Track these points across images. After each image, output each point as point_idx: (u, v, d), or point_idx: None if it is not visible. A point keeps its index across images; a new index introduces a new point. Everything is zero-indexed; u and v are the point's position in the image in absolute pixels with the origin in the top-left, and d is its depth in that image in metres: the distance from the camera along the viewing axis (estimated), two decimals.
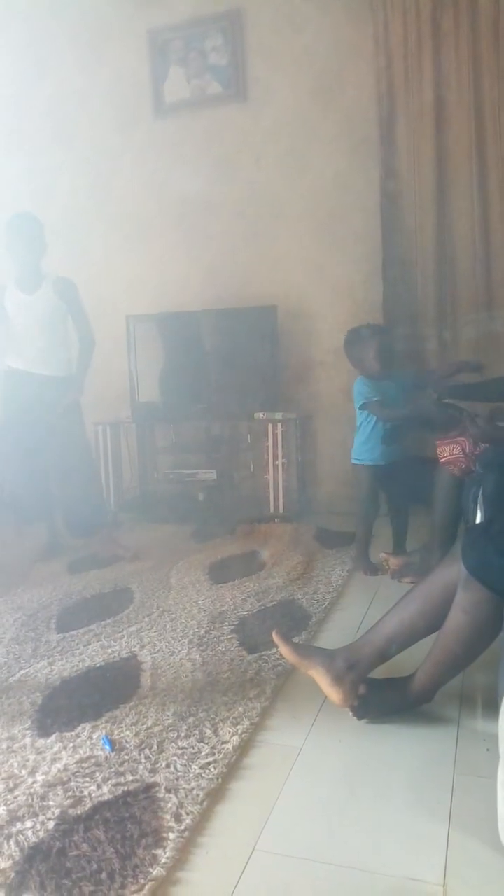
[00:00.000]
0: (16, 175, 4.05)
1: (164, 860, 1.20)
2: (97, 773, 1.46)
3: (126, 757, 1.52)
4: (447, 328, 3.29)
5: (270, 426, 3.36)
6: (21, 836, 1.28)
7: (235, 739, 1.56)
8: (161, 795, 1.38)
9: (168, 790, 1.39)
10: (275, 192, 3.60)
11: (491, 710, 1.57)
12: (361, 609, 2.29)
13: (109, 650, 2.06)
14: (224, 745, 1.54)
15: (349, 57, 3.36)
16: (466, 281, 3.22)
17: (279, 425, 3.36)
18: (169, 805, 1.35)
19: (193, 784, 1.41)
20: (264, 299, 3.54)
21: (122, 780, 1.44)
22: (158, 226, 3.84)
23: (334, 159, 3.46)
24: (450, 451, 2.40)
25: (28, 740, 1.60)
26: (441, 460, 2.42)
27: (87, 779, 1.45)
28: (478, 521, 1.91)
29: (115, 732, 1.61)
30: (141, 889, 1.14)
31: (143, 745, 1.55)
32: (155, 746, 1.55)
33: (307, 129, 3.49)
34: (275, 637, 1.70)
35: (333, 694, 1.59)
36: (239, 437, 3.69)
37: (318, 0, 3.35)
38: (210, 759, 1.49)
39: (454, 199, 3.20)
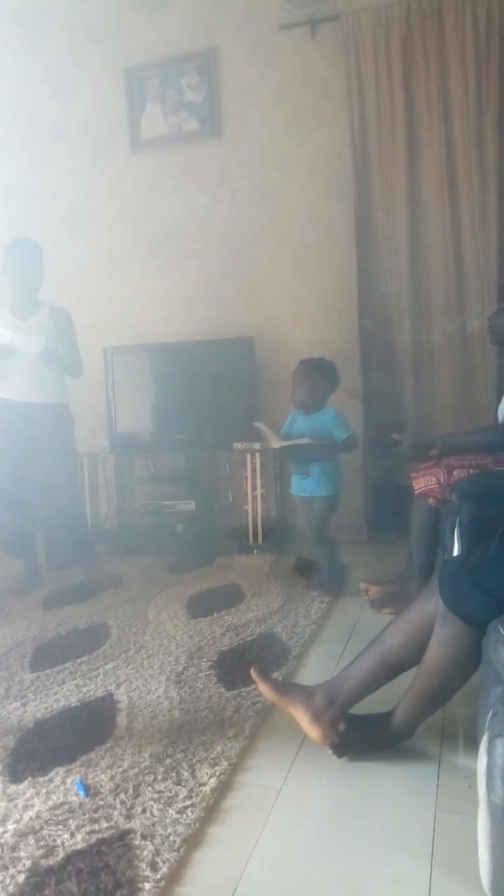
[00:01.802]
0: None
1: None
2: (70, 821, 1.42)
3: (101, 802, 1.47)
4: (423, 360, 3.33)
5: (249, 456, 3.36)
6: None
7: (213, 781, 1.52)
8: (137, 843, 1.34)
9: (144, 837, 1.35)
10: (251, 225, 3.64)
11: (472, 744, 1.55)
12: (341, 642, 2.27)
13: (84, 689, 2.01)
14: (202, 788, 1.50)
15: (322, 93, 3.44)
16: (441, 312, 3.27)
17: (257, 455, 3.36)
18: (145, 853, 1.31)
19: (170, 830, 1.37)
20: (242, 330, 3.56)
21: (96, 826, 1.39)
22: (135, 257, 3.87)
23: (309, 193, 3.52)
24: (425, 483, 2.41)
25: None
26: (416, 491, 2.43)
27: (61, 826, 1.40)
28: (455, 552, 1.91)
29: (90, 776, 1.57)
30: None
31: (119, 790, 1.51)
32: (130, 790, 1.51)
33: (282, 164, 3.55)
34: (253, 674, 1.68)
35: (313, 731, 1.57)
36: (217, 467, 3.68)
37: (292, 38, 3.43)
38: (187, 802, 1.46)
39: (427, 231, 3.27)
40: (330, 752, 1.58)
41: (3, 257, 2.94)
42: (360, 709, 1.61)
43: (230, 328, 3.60)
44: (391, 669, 1.57)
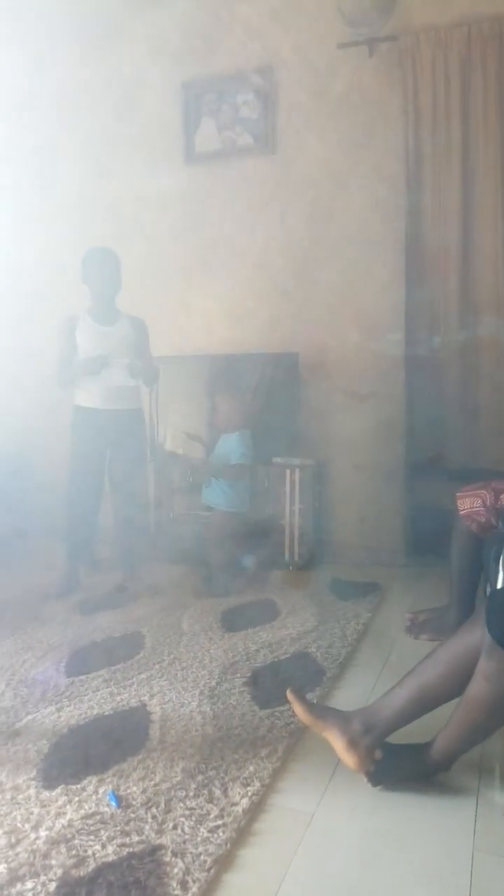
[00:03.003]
0: (48, 215, 4.15)
1: None
2: (102, 832, 1.42)
3: (132, 815, 1.47)
4: (471, 381, 3.28)
5: (288, 472, 3.35)
6: None
7: (245, 802, 1.51)
8: (167, 859, 1.33)
9: (175, 854, 1.35)
10: (300, 242, 3.65)
11: None
12: (377, 666, 2.24)
13: (118, 698, 2.02)
14: (234, 808, 1.49)
15: (378, 112, 3.43)
16: (491, 335, 3.22)
17: (297, 471, 3.34)
18: (175, 871, 1.30)
19: (201, 849, 1.36)
20: (287, 345, 3.56)
21: (127, 840, 1.39)
22: (183, 269, 3.90)
23: (360, 211, 3.51)
24: (470, 504, 2.36)
25: (33, 791, 1.56)
26: (461, 513, 2.38)
27: (92, 837, 1.40)
28: (500, 583, 1.87)
29: (122, 788, 1.57)
30: None
31: (150, 803, 1.51)
32: (162, 805, 1.50)
33: (334, 181, 3.55)
34: (289, 695, 1.66)
35: (348, 758, 1.54)
36: (257, 481, 3.67)
37: (349, 57, 3.44)
38: (219, 821, 1.45)
39: (480, 253, 3.22)
40: (365, 780, 1.55)
41: (83, 265, 3.03)
42: (397, 738, 1.58)
43: (275, 342, 3.61)
44: (431, 700, 1.54)
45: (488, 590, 2.24)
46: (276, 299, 3.70)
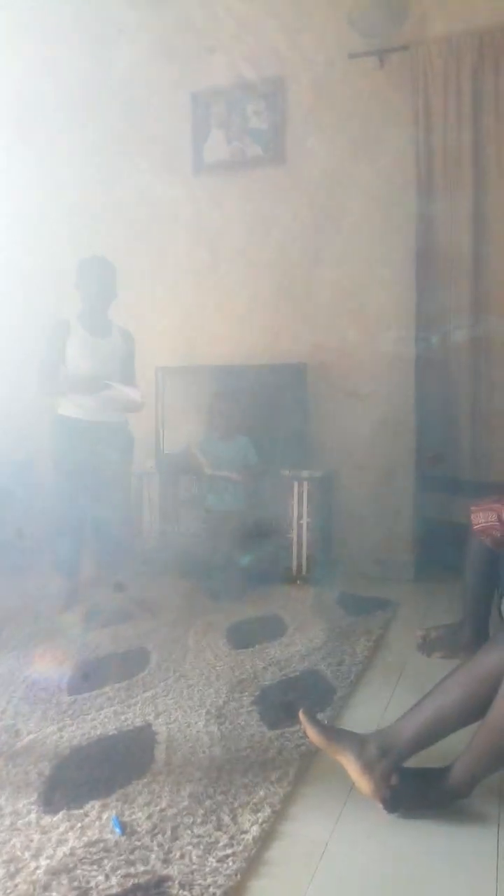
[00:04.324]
0: (54, 220, 4.12)
1: None
2: (105, 861, 1.35)
3: (137, 843, 1.40)
4: (482, 391, 3.23)
5: (296, 484, 3.29)
6: None
7: (256, 829, 1.44)
8: (175, 892, 1.27)
9: (182, 886, 1.28)
10: (309, 252, 3.61)
11: None
12: (389, 686, 2.17)
13: (122, 717, 1.95)
14: (244, 836, 1.42)
15: (389, 122, 3.40)
16: (502, 343, 3.17)
17: (305, 483, 3.28)
18: None
19: (210, 880, 1.29)
20: (295, 355, 3.51)
21: (132, 870, 1.32)
22: (191, 279, 3.87)
23: (369, 221, 3.47)
24: (485, 518, 2.29)
25: (33, 817, 1.50)
26: (474, 527, 2.32)
27: (95, 867, 1.34)
28: None
29: (127, 813, 1.50)
30: None
31: (156, 830, 1.44)
32: (168, 832, 1.43)
33: (344, 192, 3.52)
34: (301, 717, 1.60)
35: (363, 783, 1.47)
36: (263, 494, 3.61)
37: (360, 67, 3.42)
38: (228, 850, 1.38)
39: (491, 262, 3.18)
40: (380, 806, 1.48)
41: (77, 273, 2.95)
42: (414, 762, 1.51)
43: (283, 352, 3.56)
44: (450, 724, 1.47)
45: None
46: (285, 309, 3.65)
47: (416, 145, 3.28)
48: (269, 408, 3.45)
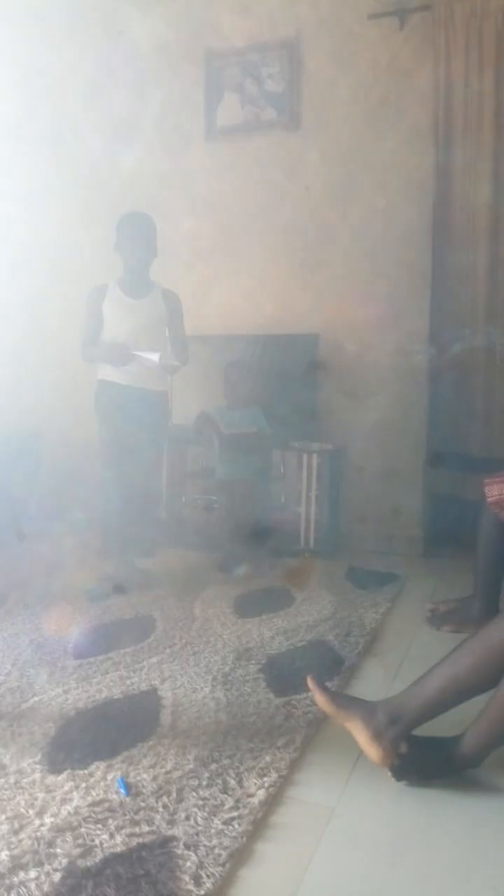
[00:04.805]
0: (64, 192, 4.06)
1: None
2: (110, 820, 1.34)
3: (142, 804, 1.39)
4: (496, 368, 3.17)
5: (306, 456, 3.25)
6: (23, 887, 1.16)
7: (262, 793, 1.42)
8: (179, 852, 1.25)
9: (187, 846, 1.26)
10: (324, 221, 3.54)
11: None
12: (398, 657, 2.15)
13: (128, 681, 1.94)
14: (249, 799, 1.40)
15: (407, 87, 3.31)
16: None
17: (315, 456, 3.25)
18: (188, 864, 1.22)
19: (215, 841, 1.28)
20: (307, 326, 3.46)
21: (136, 830, 1.31)
22: (203, 248, 3.80)
23: (386, 189, 3.39)
24: (498, 491, 2.26)
25: (38, 776, 1.48)
26: (488, 500, 2.28)
27: (100, 825, 1.32)
28: None
29: (132, 774, 1.49)
30: None
31: (161, 792, 1.43)
32: (174, 794, 1.42)
33: (360, 159, 3.43)
34: (310, 683, 1.57)
35: (372, 751, 1.45)
36: (273, 466, 3.58)
37: (378, 29, 3.32)
38: (234, 813, 1.36)
39: None
40: (388, 774, 1.46)
41: (116, 232, 2.82)
42: (424, 731, 1.48)
43: (295, 323, 3.51)
44: (462, 692, 1.44)
45: None
46: (298, 279, 3.59)
47: (436, 111, 3.19)
48: (281, 378, 3.40)
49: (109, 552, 2.92)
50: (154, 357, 2.68)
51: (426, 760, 1.46)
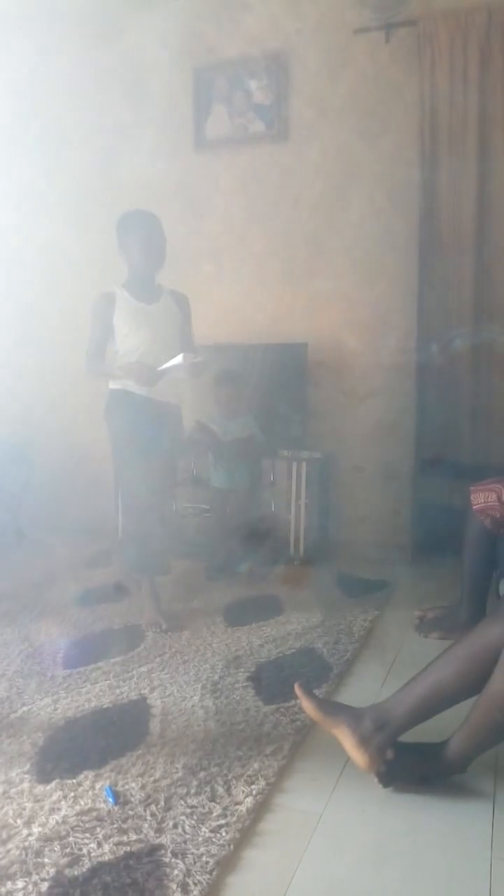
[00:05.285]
0: (53, 202, 4.08)
1: None
2: (98, 829, 1.34)
3: (130, 812, 1.40)
4: (482, 380, 3.20)
5: (295, 464, 3.27)
6: None
7: (250, 801, 1.43)
8: (167, 860, 1.26)
9: (175, 854, 1.27)
10: (311, 231, 3.57)
11: None
12: (385, 664, 2.16)
13: (117, 691, 1.94)
14: (237, 807, 1.41)
15: (393, 99, 3.35)
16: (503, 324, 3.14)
17: (304, 464, 3.26)
18: (175, 872, 1.22)
19: (203, 849, 1.29)
20: (296, 336, 3.48)
21: (125, 838, 1.32)
22: (192, 257, 3.82)
23: (373, 200, 3.43)
24: (484, 498, 2.29)
25: (26, 785, 1.49)
26: (474, 507, 2.31)
27: (87, 834, 1.33)
28: None
29: (120, 783, 1.49)
30: None
31: (150, 800, 1.43)
32: (162, 802, 1.43)
33: (348, 171, 3.47)
34: (297, 690, 1.58)
35: (358, 757, 1.46)
36: (262, 474, 3.59)
37: (365, 43, 3.36)
38: (222, 821, 1.37)
39: (495, 247, 3.14)
40: (375, 780, 1.47)
41: (118, 232, 2.59)
42: (410, 737, 1.50)
43: (284, 332, 3.53)
44: (447, 698, 1.46)
45: (502, 587, 2.17)
46: (286, 289, 3.62)
47: (422, 123, 3.23)
48: (270, 387, 3.42)
49: (128, 570, 2.73)
50: (178, 360, 2.40)
51: (412, 766, 1.47)
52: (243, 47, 3.62)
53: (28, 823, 1.36)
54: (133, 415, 2.54)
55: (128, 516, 2.74)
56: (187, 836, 1.32)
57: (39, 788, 1.47)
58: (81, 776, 1.52)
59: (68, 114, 4.04)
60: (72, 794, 1.46)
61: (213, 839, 1.32)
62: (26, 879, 1.20)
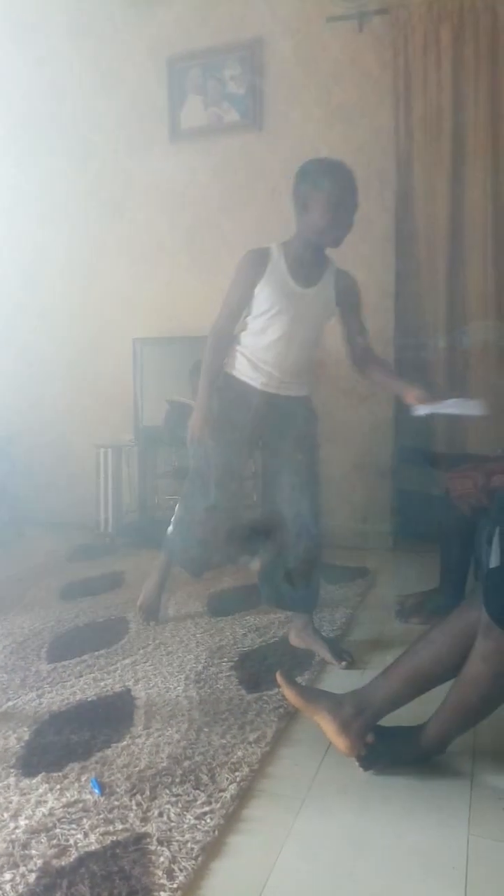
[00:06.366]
0: (29, 193, 4.05)
1: None
2: (84, 820, 1.36)
3: (116, 802, 1.42)
4: (457, 365, 3.23)
5: None
6: None
7: (234, 788, 1.46)
8: (153, 848, 1.28)
9: (160, 842, 1.29)
10: (288, 220, 3.56)
11: None
12: (366, 650, 2.19)
13: (102, 683, 1.96)
14: (221, 794, 1.44)
15: (368, 88, 3.36)
16: (481, 318, 3.17)
17: None
18: (161, 859, 1.25)
19: (188, 836, 1.31)
20: None
21: (111, 828, 1.34)
22: (169, 248, 3.82)
23: None
24: (461, 485, 2.33)
25: (12, 780, 1.50)
26: (453, 495, 2.35)
27: (74, 825, 1.34)
28: (493, 562, 1.83)
29: (105, 774, 1.51)
30: None
31: (135, 790, 1.45)
32: (147, 792, 1.45)
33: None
34: (279, 678, 1.61)
35: (339, 742, 1.49)
36: (243, 465, 3.60)
37: (338, 31, 3.36)
38: (206, 808, 1.39)
39: (469, 234, 3.17)
40: (356, 764, 1.51)
41: (303, 182, 2.11)
42: (390, 721, 1.53)
43: None
44: (425, 682, 1.49)
45: (482, 571, 2.20)
46: None
47: (396, 111, 3.25)
48: None
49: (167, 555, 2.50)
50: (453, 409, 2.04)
51: (392, 749, 1.51)
52: (217, 37, 3.60)
53: (14, 817, 1.37)
54: (243, 408, 2.15)
55: (189, 509, 2.37)
56: (172, 824, 1.35)
57: (25, 782, 1.49)
58: (67, 768, 1.53)
59: (42, 105, 4.00)
60: (58, 786, 1.47)
61: (198, 826, 1.34)
62: (14, 871, 1.21)
